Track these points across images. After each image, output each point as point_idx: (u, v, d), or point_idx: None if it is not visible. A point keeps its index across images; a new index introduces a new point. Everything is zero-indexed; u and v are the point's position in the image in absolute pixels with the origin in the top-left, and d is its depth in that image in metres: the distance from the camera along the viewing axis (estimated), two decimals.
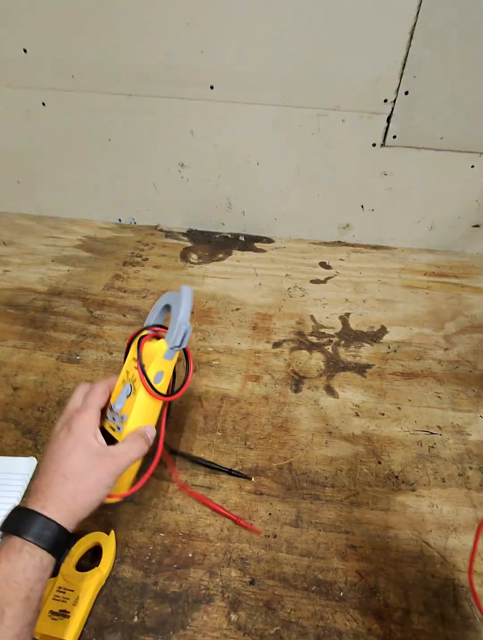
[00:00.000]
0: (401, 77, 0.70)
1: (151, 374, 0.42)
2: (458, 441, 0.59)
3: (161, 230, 0.95)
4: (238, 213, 0.92)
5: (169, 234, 0.94)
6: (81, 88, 0.78)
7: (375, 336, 0.74)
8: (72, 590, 0.41)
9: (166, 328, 0.45)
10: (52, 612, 0.40)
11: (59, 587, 0.41)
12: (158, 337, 0.45)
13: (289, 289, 0.82)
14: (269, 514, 0.51)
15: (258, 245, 0.92)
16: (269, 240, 0.93)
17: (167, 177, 0.88)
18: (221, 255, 0.89)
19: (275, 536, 0.49)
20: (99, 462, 0.38)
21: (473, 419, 0.61)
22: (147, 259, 0.87)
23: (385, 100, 0.73)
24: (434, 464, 0.56)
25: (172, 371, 0.46)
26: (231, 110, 0.77)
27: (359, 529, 0.50)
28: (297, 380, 0.66)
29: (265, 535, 0.49)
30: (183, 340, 0.44)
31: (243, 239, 0.93)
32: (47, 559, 0.34)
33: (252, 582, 0.46)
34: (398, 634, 0.43)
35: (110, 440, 0.42)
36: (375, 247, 0.92)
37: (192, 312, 0.45)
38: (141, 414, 0.43)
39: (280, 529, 0.50)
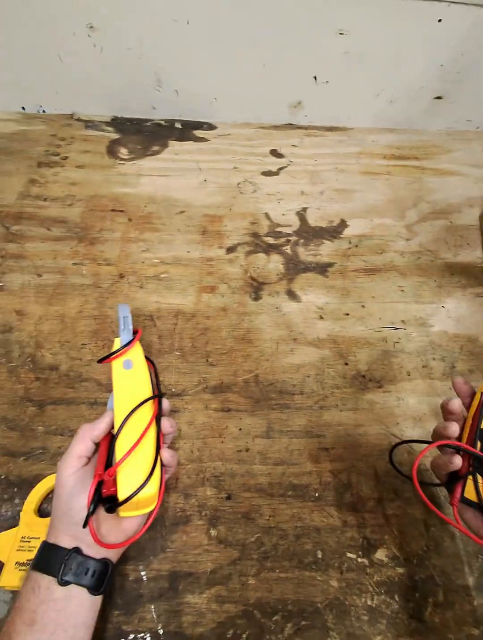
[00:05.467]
0: None
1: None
2: (422, 333, 0.58)
3: (79, 119, 0.78)
4: (170, 93, 0.76)
5: (89, 124, 0.78)
6: None
7: (334, 231, 0.68)
8: (38, 538, 0.38)
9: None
10: (19, 564, 0.37)
11: (23, 537, 0.38)
12: None
13: (239, 184, 0.72)
14: (240, 429, 0.49)
15: (198, 133, 0.79)
16: (210, 127, 0.80)
17: (76, 45, 0.69)
18: (156, 148, 0.76)
19: (247, 450, 0.48)
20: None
21: (436, 310, 0.60)
22: (67, 157, 0.72)
23: None
24: (399, 359, 0.56)
25: (144, 364, 0.44)
26: None
27: (330, 431, 0.50)
28: (256, 287, 0.61)
29: (237, 450, 0.48)
30: (125, 323, 0.46)
31: (180, 126, 0.79)
32: (44, 580, 0.33)
33: (229, 497, 0.45)
34: (371, 521, 0.45)
35: None
36: (330, 129, 0.82)
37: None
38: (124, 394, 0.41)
39: (252, 442, 0.48)
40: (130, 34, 0.68)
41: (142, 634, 0.38)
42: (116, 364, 0.43)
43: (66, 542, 0.34)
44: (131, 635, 0.38)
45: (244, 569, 0.41)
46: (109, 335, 0.54)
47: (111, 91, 0.77)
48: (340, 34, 0.70)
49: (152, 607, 0.39)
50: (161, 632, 0.38)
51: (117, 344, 0.45)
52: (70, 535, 0.35)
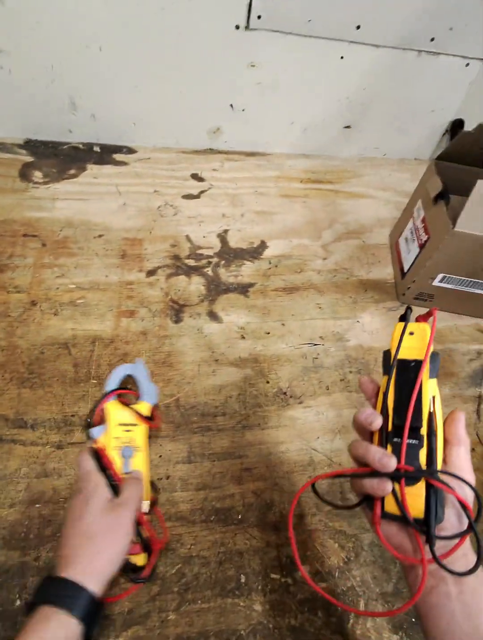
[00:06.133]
0: None
1: None
2: (339, 348, 0.61)
3: None
4: (86, 117, 0.75)
5: (0, 146, 0.75)
6: None
7: (255, 252, 0.70)
8: None
9: (127, 390, 0.49)
10: None
11: None
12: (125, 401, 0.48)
13: (159, 207, 0.72)
14: (160, 456, 0.48)
15: (117, 156, 0.78)
16: (130, 151, 0.80)
17: None
18: (72, 171, 0.74)
19: (168, 477, 0.47)
20: (115, 514, 0.37)
21: (351, 325, 0.63)
22: None
23: None
24: (318, 374, 0.58)
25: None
26: None
27: (252, 450, 0.50)
28: (177, 310, 0.60)
29: (157, 479, 0.46)
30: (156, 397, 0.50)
31: (99, 150, 0.78)
32: (76, 627, 0.31)
33: None
34: (294, 538, 0.45)
35: None
36: (250, 154, 0.85)
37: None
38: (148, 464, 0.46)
39: (172, 469, 0.47)
40: (40, 57, 0.67)
41: None
42: (145, 430, 0.46)
43: (99, 591, 0.33)
44: None
45: (164, 604, 0.40)
46: (18, 367, 0.51)
47: (24, 113, 0.74)
48: (252, 66, 0.73)
49: None
50: None
51: (146, 408, 0.47)
52: (105, 584, 0.34)
